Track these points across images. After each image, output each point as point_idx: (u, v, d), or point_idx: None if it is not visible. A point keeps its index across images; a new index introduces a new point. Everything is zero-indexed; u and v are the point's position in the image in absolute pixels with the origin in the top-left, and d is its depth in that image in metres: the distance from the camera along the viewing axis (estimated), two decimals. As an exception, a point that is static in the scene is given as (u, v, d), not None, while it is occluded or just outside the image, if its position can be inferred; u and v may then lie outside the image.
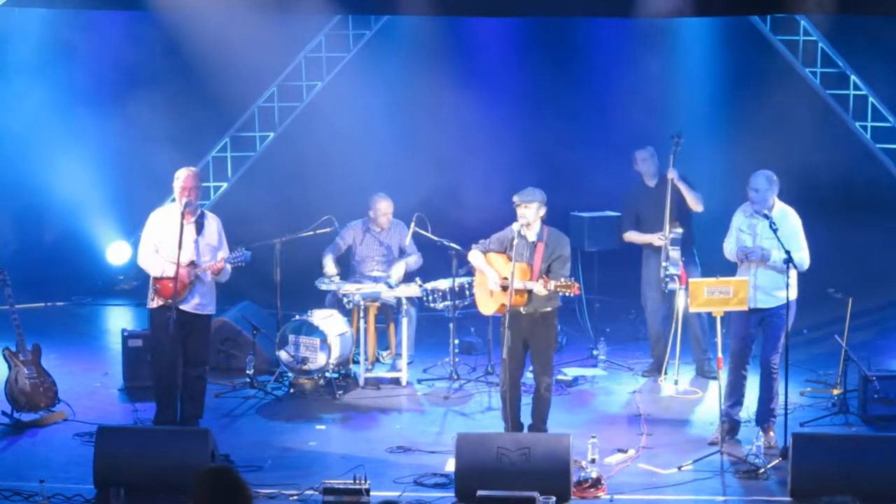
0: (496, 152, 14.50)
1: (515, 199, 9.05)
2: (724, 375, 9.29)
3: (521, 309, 8.95)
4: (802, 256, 9.17)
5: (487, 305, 9.28)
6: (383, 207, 11.41)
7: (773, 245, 9.12)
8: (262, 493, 8.21)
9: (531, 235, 9.02)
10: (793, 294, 9.15)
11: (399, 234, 11.49)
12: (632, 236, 11.08)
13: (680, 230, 10.63)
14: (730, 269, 9.49)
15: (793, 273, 9.07)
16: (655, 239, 10.78)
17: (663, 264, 10.66)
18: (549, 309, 9.07)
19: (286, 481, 8.45)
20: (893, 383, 9.77)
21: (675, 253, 10.61)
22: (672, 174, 10.68)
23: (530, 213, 8.99)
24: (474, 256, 9.26)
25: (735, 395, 9.39)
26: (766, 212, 9.13)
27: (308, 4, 11.70)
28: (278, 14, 13.00)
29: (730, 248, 9.43)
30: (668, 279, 10.61)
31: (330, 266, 11.25)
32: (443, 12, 11.89)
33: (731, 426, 9.36)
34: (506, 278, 8.95)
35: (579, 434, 8.67)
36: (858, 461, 8.11)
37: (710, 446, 9.03)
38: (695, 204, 10.73)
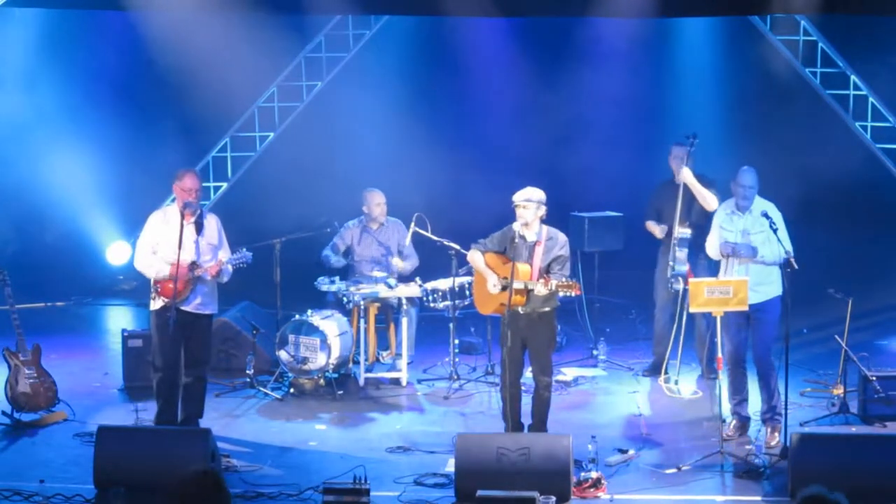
0: (496, 152, 14.51)
1: (514, 199, 9.05)
2: (724, 375, 9.31)
3: (520, 309, 8.94)
4: (776, 251, 9.19)
5: (486, 305, 9.28)
6: (375, 199, 11.45)
7: (759, 241, 9.16)
8: (262, 493, 8.22)
9: (530, 235, 9.02)
10: (778, 290, 9.22)
11: (397, 234, 11.50)
12: (649, 224, 11.08)
13: (688, 231, 10.61)
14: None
15: (775, 269, 9.13)
16: (657, 230, 10.79)
17: (670, 264, 10.65)
18: (547, 309, 9.06)
19: (286, 481, 8.45)
20: (893, 383, 9.78)
21: (681, 253, 10.60)
22: (684, 174, 10.64)
23: (529, 214, 8.98)
24: (473, 257, 9.26)
25: (739, 392, 9.45)
26: (746, 206, 9.16)
27: (303, 5, 11.76)
28: (276, 15, 13.01)
29: (713, 245, 9.46)
30: (673, 279, 10.60)
31: (336, 259, 11.30)
32: (443, 12, 11.90)
33: (740, 423, 9.43)
34: (505, 278, 8.95)
35: (579, 434, 8.66)
36: (858, 461, 8.10)
37: (710, 446, 9.03)
38: (707, 203, 10.66)
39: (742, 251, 9.22)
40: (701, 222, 10.69)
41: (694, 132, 10.81)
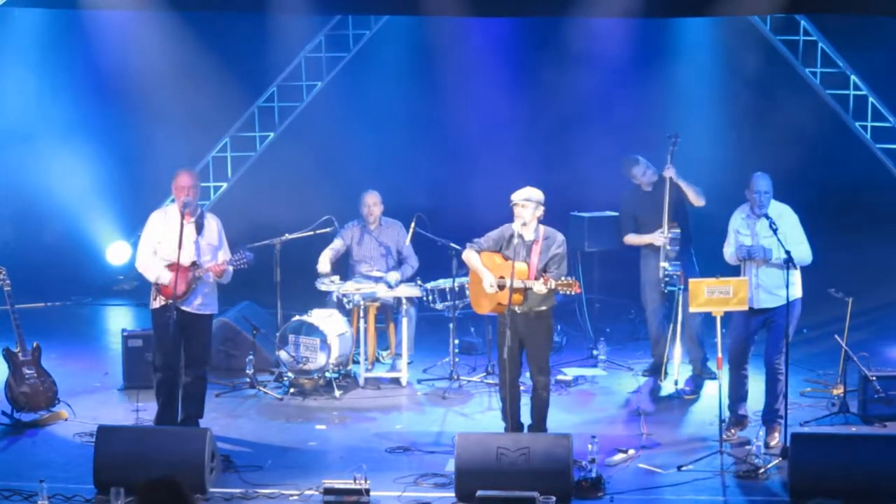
0: (497, 151, 14.50)
1: (513, 198, 9.05)
2: (723, 375, 9.30)
3: (517, 308, 8.91)
4: (804, 249, 9.21)
5: (482, 305, 9.27)
6: (370, 200, 11.43)
7: (773, 244, 9.15)
8: (262, 493, 8.23)
9: (528, 235, 9.01)
10: (798, 292, 9.20)
11: (397, 234, 11.49)
12: (632, 238, 11.07)
13: (678, 230, 10.64)
14: (728, 269, 9.48)
15: (796, 271, 9.11)
16: (657, 238, 10.76)
17: (662, 264, 10.65)
18: (543, 308, 9.05)
19: (286, 481, 8.45)
20: (893, 383, 9.78)
21: (673, 253, 10.62)
22: (670, 172, 10.68)
23: (527, 213, 8.98)
24: (469, 256, 9.24)
25: (738, 392, 9.45)
26: (764, 212, 9.18)
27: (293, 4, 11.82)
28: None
29: (730, 252, 9.44)
30: (667, 279, 10.61)
31: (324, 265, 11.23)
32: (443, 12, 11.89)
33: (737, 421, 9.44)
34: (502, 277, 8.95)
35: (579, 434, 8.66)
36: (858, 461, 8.10)
37: (710, 446, 9.03)
38: (696, 199, 10.73)
39: (756, 253, 9.21)
40: (682, 222, 10.74)
41: (675, 131, 10.82)
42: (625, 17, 12.64)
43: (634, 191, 11.10)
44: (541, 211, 9.05)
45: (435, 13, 12.16)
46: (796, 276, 9.20)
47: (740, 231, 9.39)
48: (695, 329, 10.91)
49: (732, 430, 9.35)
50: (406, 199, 11.96)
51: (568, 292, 8.82)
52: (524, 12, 12.91)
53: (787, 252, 8.97)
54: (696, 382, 10.94)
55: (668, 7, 11.94)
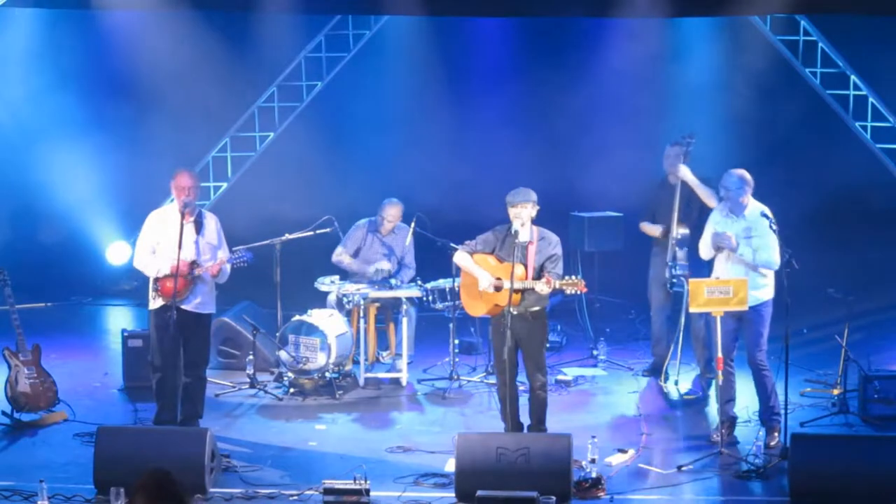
0: (496, 151, 14.51)
1: (509, 199, 9.01)
2: (722, 375, 9.31)
3: (513, 309, 8.88)
4: (773, 256, 9.17)
5: (476, 307, 9.22)
6: (392, 214, 11.36)
7: (754, 244, 9.14)
8: (262, 493, 8.23)
9: (523, 235, 8.97)
10: (769, 294, 9.19)
11: (402, 237, 11.48)
12: (644, 227, 11.09)
13: (687, 231, 10.61)
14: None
15: (769, 273, 9.12)
16: (652, 230, 10.80)
17: (668, 264, 10.64)
18: (537, 308, 9.01)
19: (286, 481, 8.46)
20: (893, 383, 9.77)
21: (681, 253, 10.59)
22: (681, 172, 10.65)
23: (525, 214, 8.96)
24: (461, 258, 9.21)
25: (726, 392, 9.42)
26: (739, 210, 9.15)
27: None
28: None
29: (704, 246, 9.44)
30: (673, 279, 10.59)
31: (349, 262, 11.23)
32: (443, 12, 11.90)
33: (728, 422, 9.41)
34: (498, 279, 8.93)
35: (579, 434, 8.66)
36: (858, 461, 8.10)
37: (710, 446, 9.05)
38: (708, 199, 10.67)
39: (724, 242, 9.21)
40: (700, 222, 10.70)
41: (691, 131, 10.81)
42: (626, 18, 12.66)
43: (661, 183, 11.07)
44: (535, 210, 9.03)
45: (436, 13, 12.17)
46: (767, 279, 9.20)
47: (718, 230, 9.39)
48: (700, 330, 10.89)
49: (723, 431, 9.30)
50: (406, 199, 11.95)
51: (573, 292, 8.80)
52: (525, 12, 12.91)
53: (788, 252, 8.98)
54: (705, 382, 10.92)
55: (669, 7, 11.95)
